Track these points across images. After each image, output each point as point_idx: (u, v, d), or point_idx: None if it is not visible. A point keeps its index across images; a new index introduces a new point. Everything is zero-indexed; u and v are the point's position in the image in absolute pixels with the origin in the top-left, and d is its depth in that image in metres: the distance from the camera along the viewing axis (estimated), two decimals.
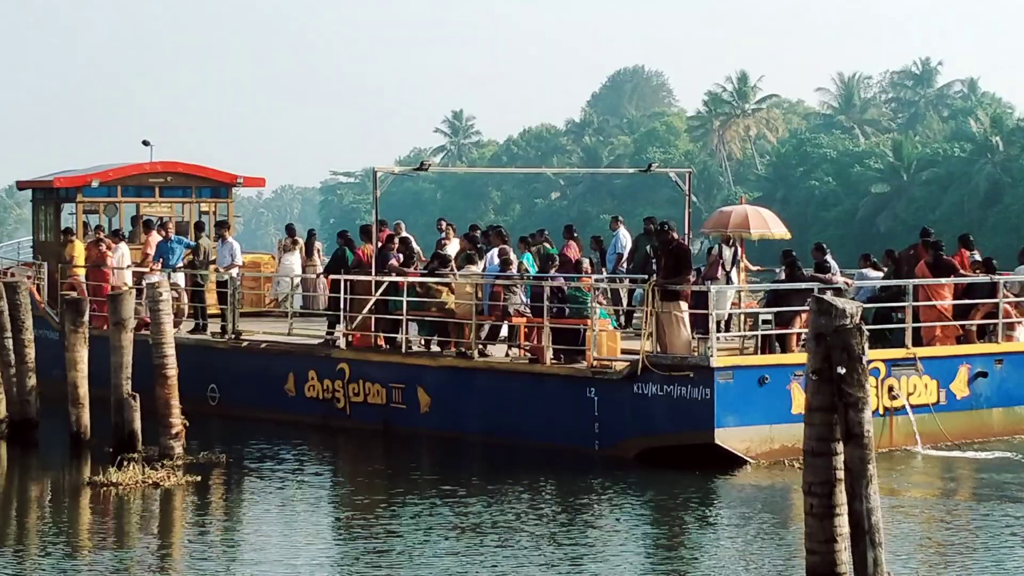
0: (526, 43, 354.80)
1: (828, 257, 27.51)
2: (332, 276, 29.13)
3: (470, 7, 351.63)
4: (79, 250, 33.55)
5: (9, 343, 27.62)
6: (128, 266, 32.49)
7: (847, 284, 25.37)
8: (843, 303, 13.02)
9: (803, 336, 24.72)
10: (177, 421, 24.81)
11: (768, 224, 25.81)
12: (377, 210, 28.14)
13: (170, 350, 24.96)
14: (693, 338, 24.17)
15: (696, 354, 23.92)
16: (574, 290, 25.61)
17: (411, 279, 27.45)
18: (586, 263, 27.36)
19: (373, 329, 28.10)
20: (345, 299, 28.27)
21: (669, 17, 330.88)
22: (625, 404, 24.40)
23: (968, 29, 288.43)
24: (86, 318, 27.00)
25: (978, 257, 27.48)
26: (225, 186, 36.75)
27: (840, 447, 12.97)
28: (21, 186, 37.89)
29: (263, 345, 30.00)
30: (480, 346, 26.75)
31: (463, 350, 26.80)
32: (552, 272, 26.73)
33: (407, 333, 27.63)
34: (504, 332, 27.20)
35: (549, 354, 25.59)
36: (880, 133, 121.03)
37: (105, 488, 22.37)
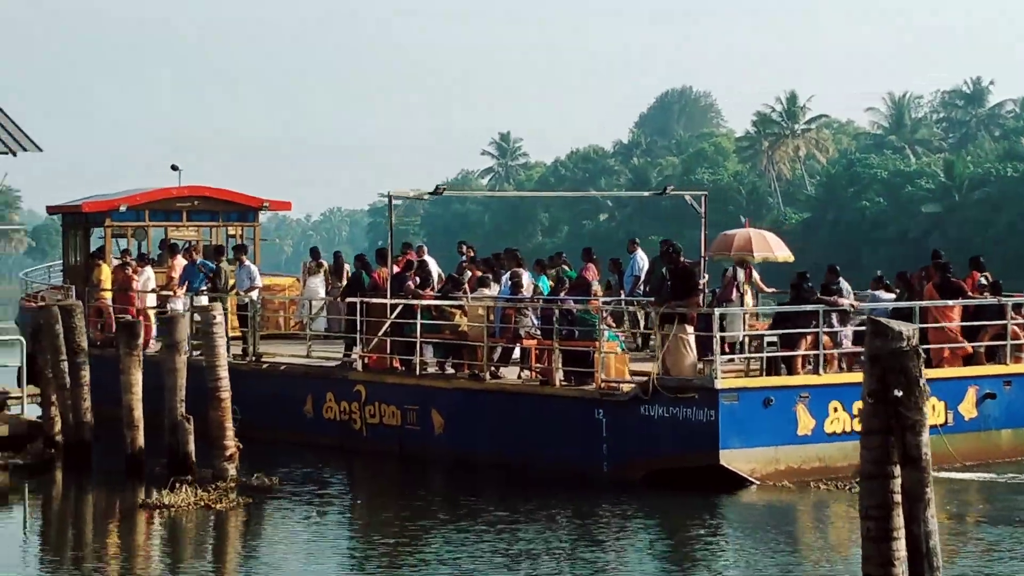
0: (574, 65, 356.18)
1: (841, 280, 27.90)
2: (348, 299, 29.63)
3: (517, 29, 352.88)
4: (106, 273, 34.27)
5: (64, 366, 28.11)
6: (153, 289, 33.16)
7: (852, 307, 25.66)
8: (899, 325, 13.02)
9: (809, 358, 25.18)
10: (231, 443, 25.16)
11: (771, 247, 26.22)
12: (392, 234, 28.70)
13: (223, 372, 25.29)
14: (699, 360, 24.58)
15: (702, 376, 24.31)
16: (583, 312, 26.06)
17: (425, 302, 27.96)
18: (596, 286, 27.78)
19: (388, 351, 28.62)
20: (361, 322, 28.81)
21: (717, 38, 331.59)
22: (632, 426, 24.78)
23: (1020, 48, 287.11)
24: (140, 340, 27.32)
25: (988, 279, 27.73)
26: (252, 210, 37.46)
27: (897, 470, 12.89)
28: (51, 211, 38.74)
29: (283, 367, 30.57)
30: (492, 368, 27.23)
31: (475, 372, 27.29)
32: (562, 295, 27.18)
33: (422, 355, 28.17)
34: (517, 354, 27.68)
35: (558, 376, 26.05)
36: (931, 153, 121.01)
37: (158, 510, 22.76)
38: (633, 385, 24.91)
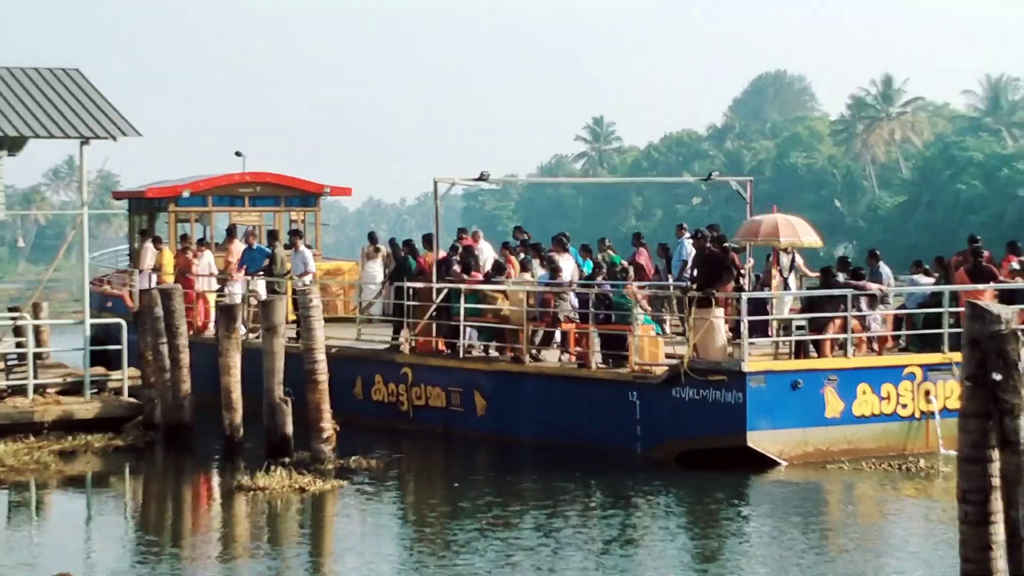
0: (667, 49, 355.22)
1: (881, 264, 28.55)
2: (396, 283, 30.56)
3: (611, 13, 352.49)
4: (168, 258, 35.47)
5: (164, 348, 29.07)
6: (211, 274, 34.31)
7: (881, 291, 26.30)
8: (997, 308, 13.03)
9: (838, 341, 25.86)
10: (328, 426, 25.84)
11: (798, 232, 26.82)
12: (438, 220, 29.58)
13: (321, 355, 26.07)
14: (730, 344, 25.36)
15: (731, 360, 25.08)
16: (619, 297, 26.89)
17: (466, 286, 28.86)
18: (631, 270, 28.58)
19: (434, 335, 29.58)
20: (408, 306, 29.78)
21: (811, 21, 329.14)
22: (665, 408, 25.62)
23: None
24: (239, 324, 28.27)
25: (1022, 264, 28.18)
26: (313, 195, 38.58)
27: (995, 454, 12.88)
28: (116, 196, 40.06)
29: (333, 351, 31.51)
30: (533, 351, 28.13)
31: (517, 355, 28.20)
32: (599, 279, 28.02)
33: (467, 339, 29.11)
34: (558, 338, 28.55)
35: (596, 359, 26.91)
36: None
37: (253, 492, 23.27)
38: (665, 368, 25.74)
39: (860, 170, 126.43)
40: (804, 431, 25.23)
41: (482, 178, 29.81)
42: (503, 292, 28.77)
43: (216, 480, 25.63)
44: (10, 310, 36.80)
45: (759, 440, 24.85)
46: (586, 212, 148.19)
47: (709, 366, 25.02)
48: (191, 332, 31.45)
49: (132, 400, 29.76)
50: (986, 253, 27.65)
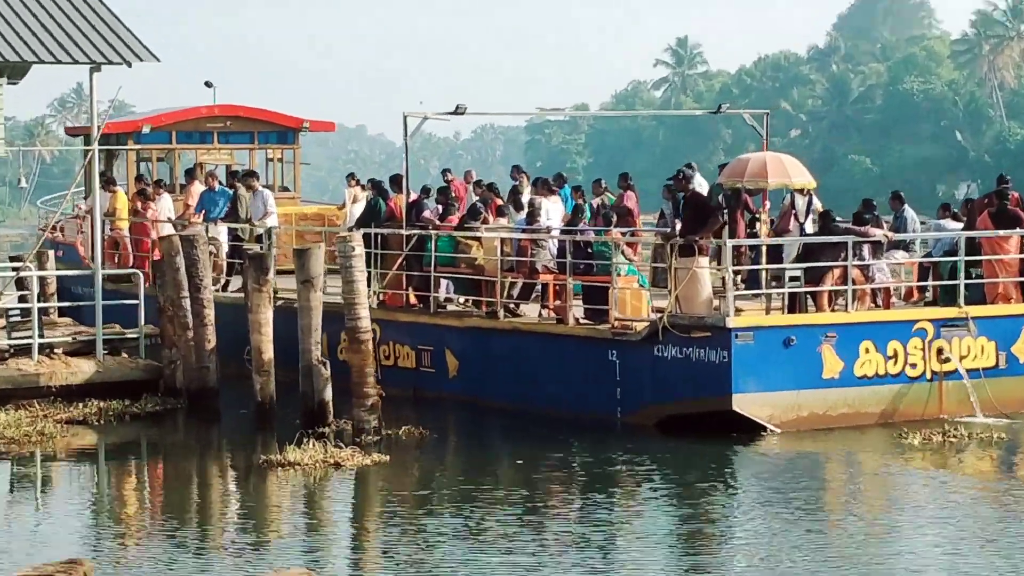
0: None
1: (906, 208, 29.65)
2: (363, 230, 31.61)
3: None
4: (122, 202, 36.78)
5: (186, 303, 29.51)
6: (168, 219, 35.68)
7: (887, 237, 27.38)
8: None
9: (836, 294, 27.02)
10: (372, 391, 26.25)
11: (788, 172, 27.82)
12: (408, 158, 30.76)
13: (364, 311, 26.33)
14: (716, 296, 26.59)
15: (715, 315, 26.27)
16: (600, 244, 28.09)
17: (438, 232, 30.11)
18: (613, 216, 29.80)
19: (404, 287, 30.86)
20: (375, 255, 31.03)
21: None
22: (645, 368, 26.76)
23: None
24: (271, 276, 28.69)
25: None
26: (291, 131, 39.85)
27: None
28: (70, 132, 41.46)
29: (295, 305, 32.79)
30: (512, 305, 29.44)
31: (493, 310, 29.49)
32: (581, 225, 29.27)
33: (440, 290, 30.41)
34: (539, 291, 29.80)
35: (575, 314, 28.16)
36: None
37: (283, 469, 23.57)
38: (646, 324, 26.97)
39: (985, 97, 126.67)
40: (797, 393, 26.30)
41: (458, 112, 30.93)
42: (478, 240, 30.01)
43: (246, 454, 25.81)
44: (12, 259, 37.78)
45: (746, 403, 25.95)
46: (666, 146, 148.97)
47: (692, 321, 26.14)
48: (147, 285, 32.85)
49: (150, 362, 30.56)
50: (1014, 195, 28.67)
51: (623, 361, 27.12)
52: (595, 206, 32.50)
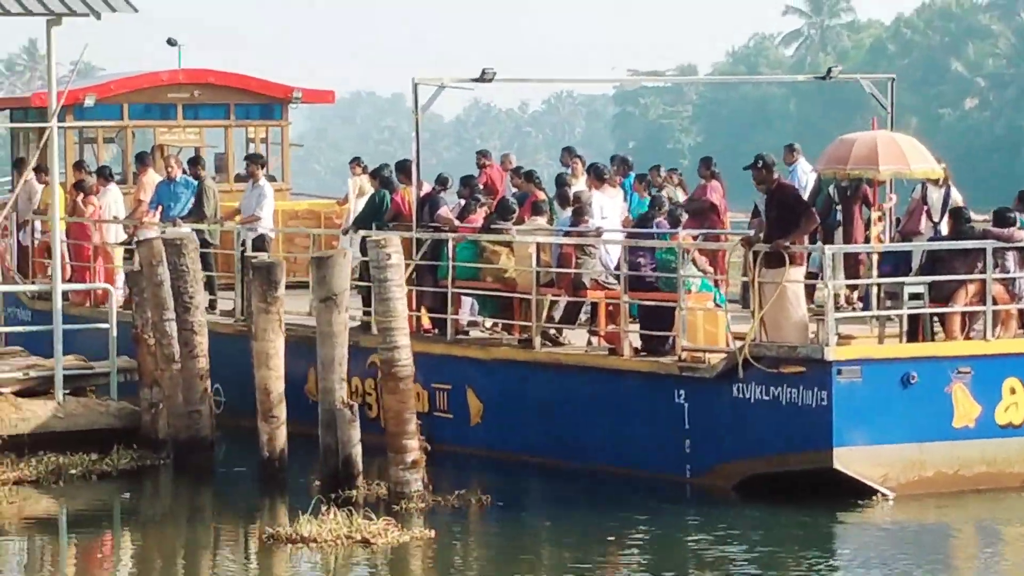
0: None
1: None
2: (362, 232, 31.21)
3: None
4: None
5: (172, 328, 29.00)
6: (115, 218, 35.39)
7: None
8: None
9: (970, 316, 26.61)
10: (414, 444, 25.94)
11: (906, 158, 27.45)
12: (419, 136, 30.46)
13: (404, 339, 25.96)
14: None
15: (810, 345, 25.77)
16: (664, 252, 27.76)
17: (457, 236, 29.80)
18: (682, 215, 29.46)
19: (414, 307, 30.37)
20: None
21: None
22: (722, 413, 26.46)
23: None
24: (281, 291, 27.59)
25: None
26: (277, 103, 39.44)
27: None
28: None
29: (301, 331, 31.83)
30: (553, 332, 29.13)
31: (527, 337, 29.21)
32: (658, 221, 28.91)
33: (460, 312, 30.21)
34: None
35: (631, 342, 27.88)
36: None
37: (294, 545, 23.16)
38: (723, 356, 26.62)
39: None
40: (920, 447, 25.93)
41: (484, 78, 30.59)
42: (509, 246, 29.71)
43: (247, 525, 25.64)
44: None
45: (852, 460, 25.55)
46: (801, 120, 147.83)
47: (781, 352, 25.80)
48: (87, 304, 32.72)
49: (125, 404, 30.28)
50: None
51: (693, 404, 26.84)
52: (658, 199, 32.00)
